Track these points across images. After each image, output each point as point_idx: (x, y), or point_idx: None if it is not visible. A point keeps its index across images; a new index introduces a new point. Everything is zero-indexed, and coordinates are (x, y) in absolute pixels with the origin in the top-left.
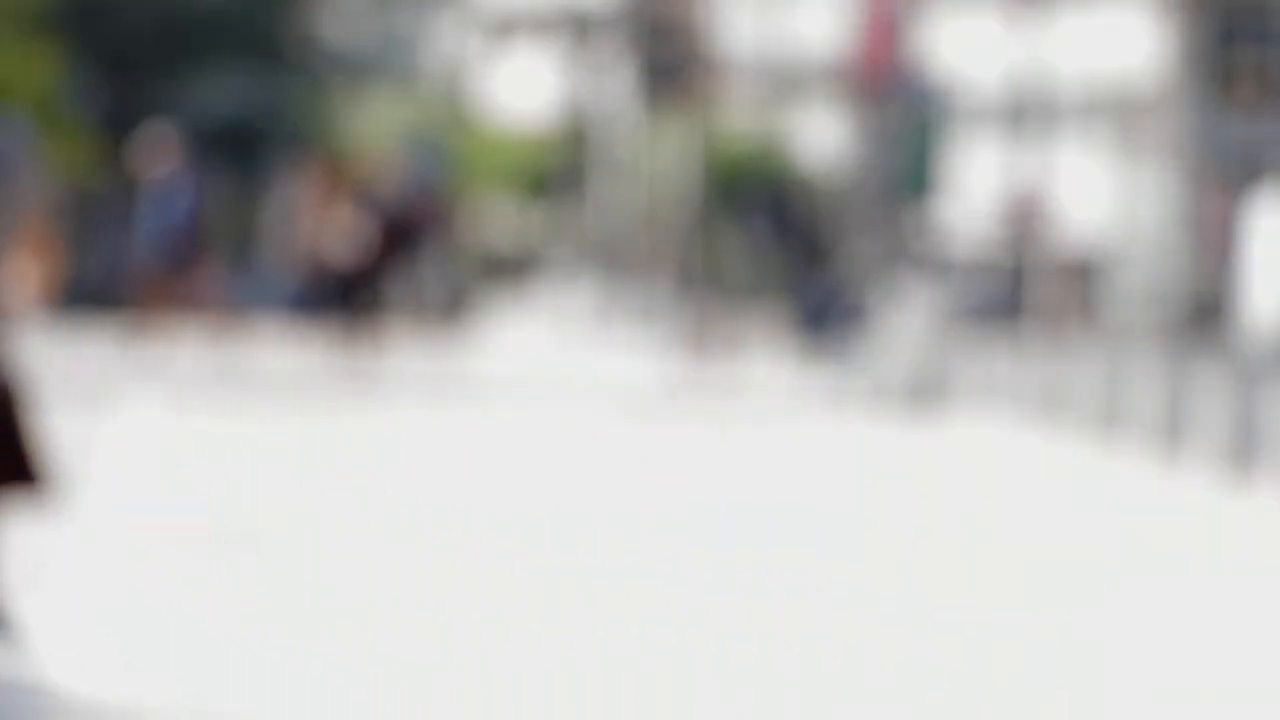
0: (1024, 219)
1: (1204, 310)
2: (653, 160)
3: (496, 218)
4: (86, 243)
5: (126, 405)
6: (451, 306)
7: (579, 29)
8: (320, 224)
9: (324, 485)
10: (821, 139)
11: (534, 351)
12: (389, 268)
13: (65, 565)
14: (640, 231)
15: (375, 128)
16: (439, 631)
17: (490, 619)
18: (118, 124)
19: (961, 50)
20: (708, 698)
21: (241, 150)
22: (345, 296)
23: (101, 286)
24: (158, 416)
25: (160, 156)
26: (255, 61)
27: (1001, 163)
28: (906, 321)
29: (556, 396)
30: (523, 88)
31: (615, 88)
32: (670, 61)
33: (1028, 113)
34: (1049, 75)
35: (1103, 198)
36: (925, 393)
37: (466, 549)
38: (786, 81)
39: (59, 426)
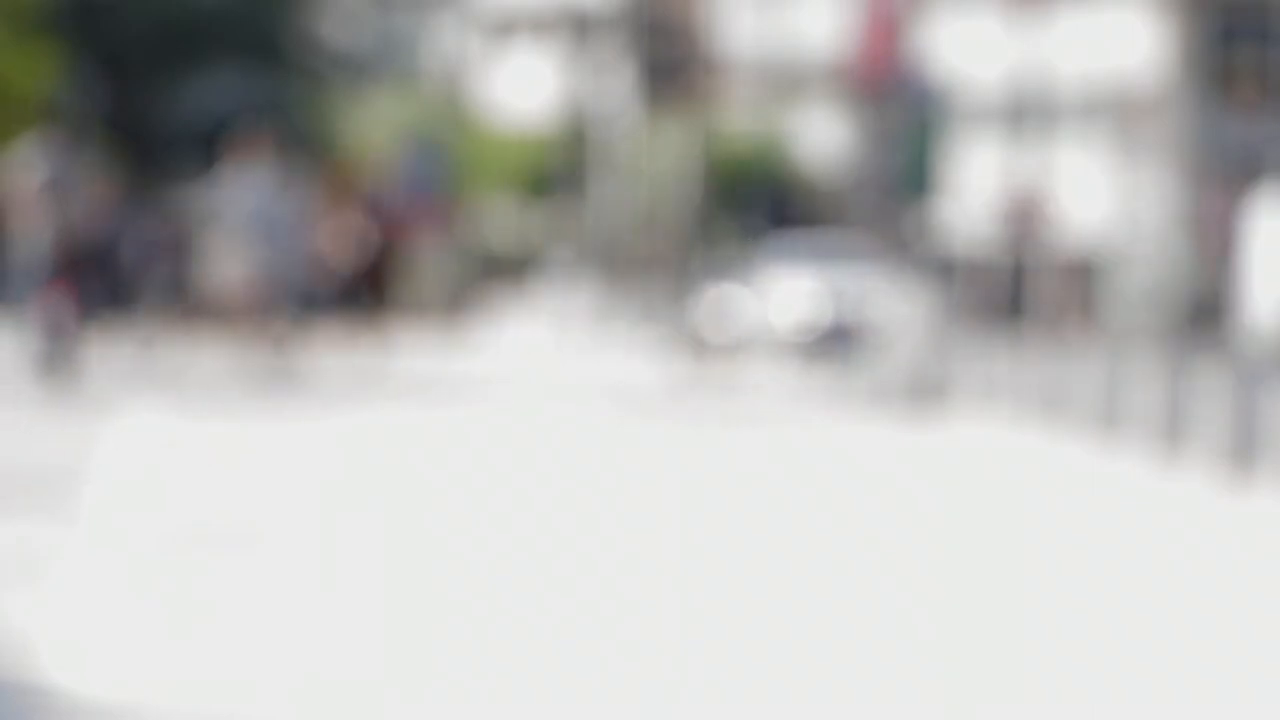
0: (1024, 219)
1: (1204, 310)
2: (653, 160)
3: (496, 218)
4: None
5: (127, 405)
6: (451, 306)
7: (579, 29)
8: (328, 230)
9: (324, 485)
10: (821, 139)
11: (534, 351)
12: (390, 269)
13: (65, 565)
14: (640, 231)
15: (375, 128)
16: (439, 630)
17: (490, 618)
18: (118, 124)
19: (961, 50)
20: (706, 697)
21: None
22: (352, 299)
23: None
24: (158, 417)
25: None
26: (255, 61)
27: (1001, 163)
28: (906, 322)
29: (556, 396)
30: (523, 88)
31: (615, 88)
32: (670, 61)
33: (1028, 113)
34: (1049, 75)
35: (1103, 198)
36: (925, 393)
37: (466, 549)
38: (786, 81)
39: (59, 427)
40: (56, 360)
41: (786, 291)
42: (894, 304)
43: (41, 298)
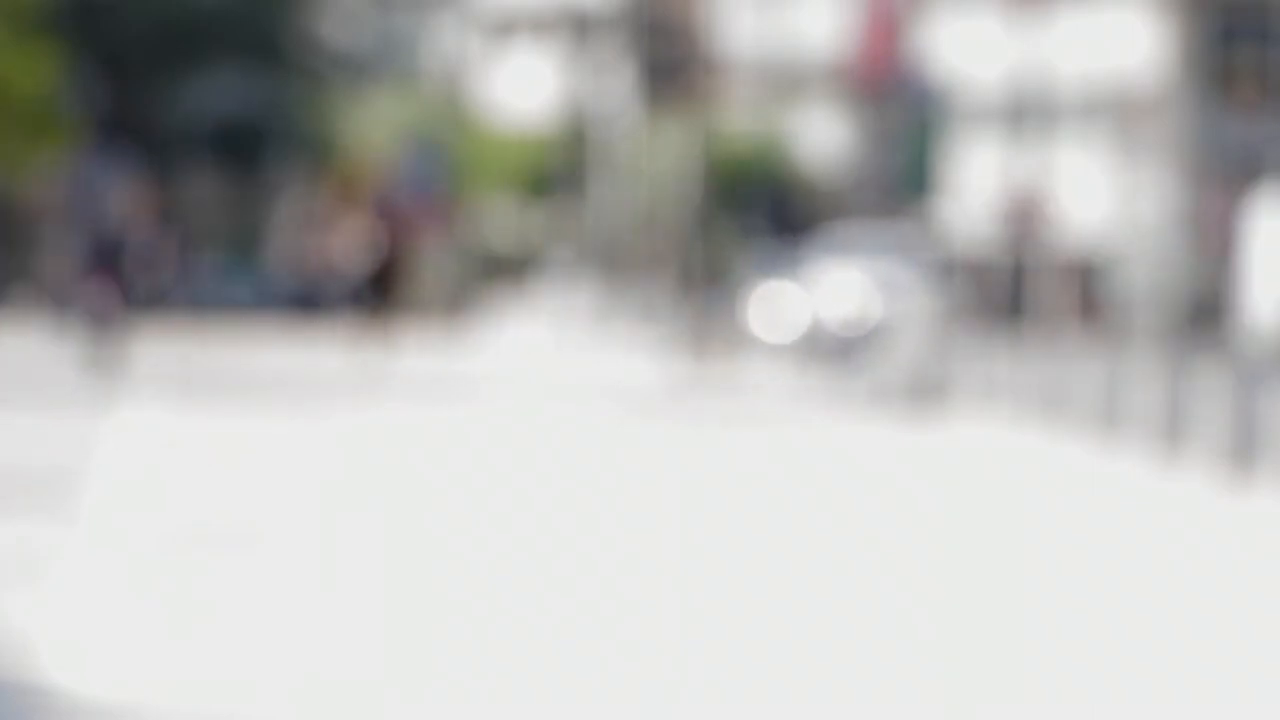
0: (1024, 219)
1: (1204, 310)
2: (653, 160)
3: (496, 218)
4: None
5: (126, 405)
6: (451, 306)
7: (579, 29)
8: (337, 232)
9: (324, 485)
10: (821, 139)
11: (534, 351)
12: (401, 267)
13: (65, 565)
14: (640, 231)
15: (375, 128)
16: (439, 630)
17: (490, 618)
18: (117, 124)
19: (961, 50)
20: (706, 697)
21: (241, 150)
22: (363, 299)
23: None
24: (158, 416)
25: None
26: (255, 61)
27: (1001, 163)
28: (906, 321)
29: (556, 396)
30: (523, 88)
31: (615, 88)
32: (670, 61)
33: (1028, 113)
34: (1049, 75)
35: (1103, 198)
36: (925, 393)
37: (466, 549)
38: (786, 81)
39: (59, 426)
40: (102, 352)
41: (837, 286)
42: (906, 302)
43: (85, 292)
